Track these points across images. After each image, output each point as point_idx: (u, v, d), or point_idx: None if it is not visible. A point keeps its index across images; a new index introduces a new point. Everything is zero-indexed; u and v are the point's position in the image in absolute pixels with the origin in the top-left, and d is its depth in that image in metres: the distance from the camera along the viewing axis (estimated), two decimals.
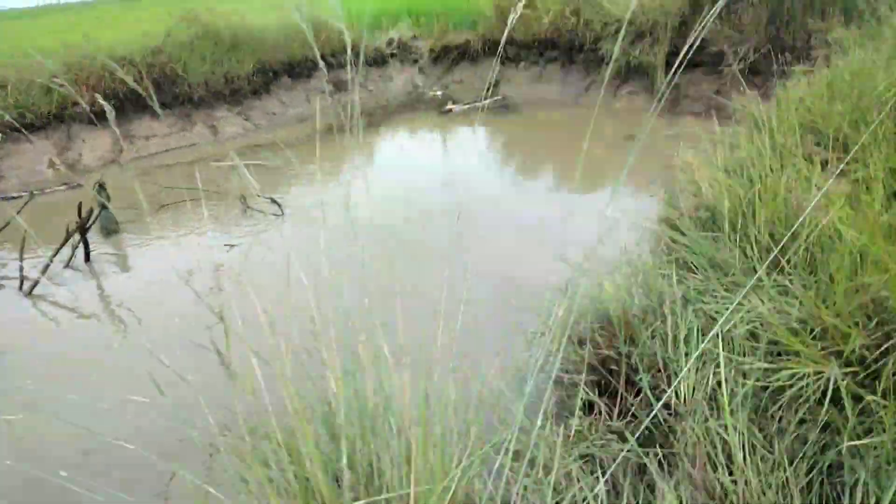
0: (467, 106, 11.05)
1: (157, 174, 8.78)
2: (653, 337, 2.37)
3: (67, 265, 5.88)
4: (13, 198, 7.97)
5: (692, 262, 2.89)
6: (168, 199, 7.27)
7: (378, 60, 13.59)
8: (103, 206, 6.52)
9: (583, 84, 10.71)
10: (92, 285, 5.66)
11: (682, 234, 3.11)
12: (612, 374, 2.39)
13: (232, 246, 5.99)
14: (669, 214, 3.39)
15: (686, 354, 2.17)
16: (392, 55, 13.78)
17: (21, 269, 5.53)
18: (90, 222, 5.95)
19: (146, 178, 8.64)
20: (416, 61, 13.82)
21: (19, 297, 5.37)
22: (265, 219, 6.66)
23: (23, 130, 9.05)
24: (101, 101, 2.19)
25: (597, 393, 2.32)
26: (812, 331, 1.97)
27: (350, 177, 8.38)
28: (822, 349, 1.89)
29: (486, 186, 7.44)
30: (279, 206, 6.81)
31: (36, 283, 5.43)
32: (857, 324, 1.86)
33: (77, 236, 5.78)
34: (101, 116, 9.41)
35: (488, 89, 11.79)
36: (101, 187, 6.49)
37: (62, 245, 5.68)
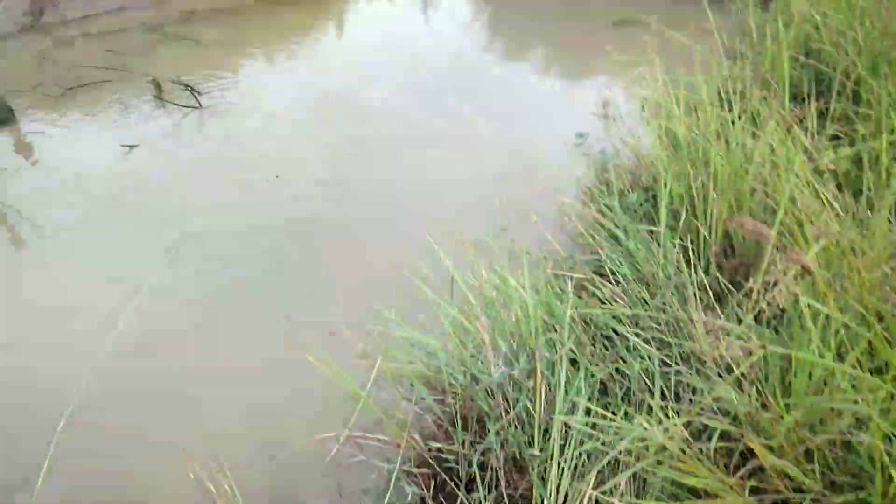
0: None
1: (84, 42, 7.64)
2: (510, 425, 1.67)
3: None
4: None
5: (610, 269, 2.16)
6: (76, 81, 6.30)
7: None
8: None
9: None
10: None
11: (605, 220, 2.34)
12: (451, 472, 1.73)
13: (131, 147, 5.12)
14: (596, 183, 2.58)
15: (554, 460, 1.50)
16: None
17: None
18: None
19: (64, 50, 7.51)
20: None
21: None
22: (180, 111, 5.71)
23: None
24: None
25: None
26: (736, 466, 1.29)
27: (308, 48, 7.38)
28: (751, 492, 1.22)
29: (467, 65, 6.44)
30: (196, 96, 5.82)
31: None
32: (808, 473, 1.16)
33: None
34: None
35: None
36: None
37: None
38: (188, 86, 5.89)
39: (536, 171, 3.81)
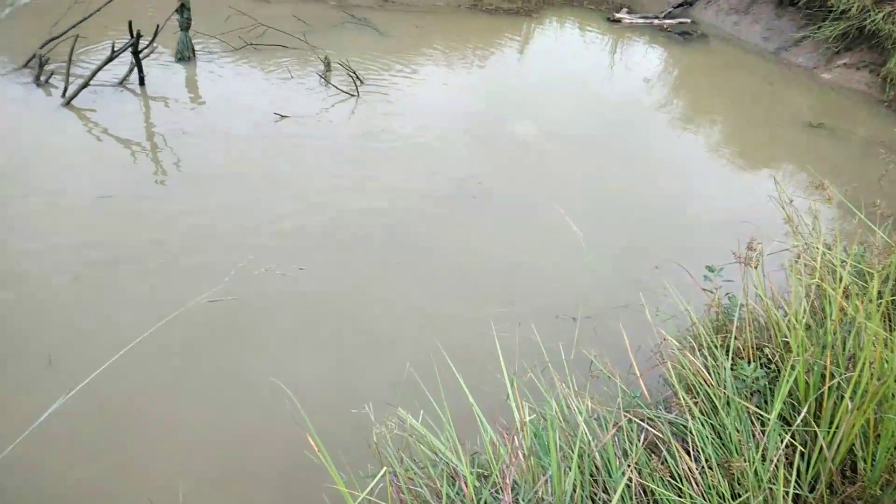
0: (641, 21, 9.13)
1: (276, 2, 8.07)
2: None
3: (121, 84, 5.48)
4: None
5: (693, 440, 1.80)
6: (258, 39, 6.63)
7: None
8: (184, 28, 5.99)
9: (793, 35, 8.39)
10: (131, 109, 5.22)
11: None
12: None
13: (283, 117, 5.27)
14: (711, 328, 2.19)
15: None
16: None
17: (67, 75, 5.18)
18: (146, 47, 5.43)
19: (261, 3, 7.97)
20: None
21: (56, 105, 5.06)
22: (338, 96, 5.82)
23: None
24: None
25: None
26: None
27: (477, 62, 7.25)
28: None
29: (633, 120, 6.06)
30: (356, 84, 5.91)
31: (72, 96, 5.07)
32: None
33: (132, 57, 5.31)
34: None
35: (679, 6, 9.69)
36: (183, 7, 5.90)
37: (105, 63, 5.21)
38: (353, 72, 5.99)
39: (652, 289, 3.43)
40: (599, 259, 3.86)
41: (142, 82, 5.50)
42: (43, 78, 5.31)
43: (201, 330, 3.15)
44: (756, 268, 2.13)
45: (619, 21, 9.04)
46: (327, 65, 6.16)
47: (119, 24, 5.42)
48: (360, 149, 4.99)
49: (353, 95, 5.81)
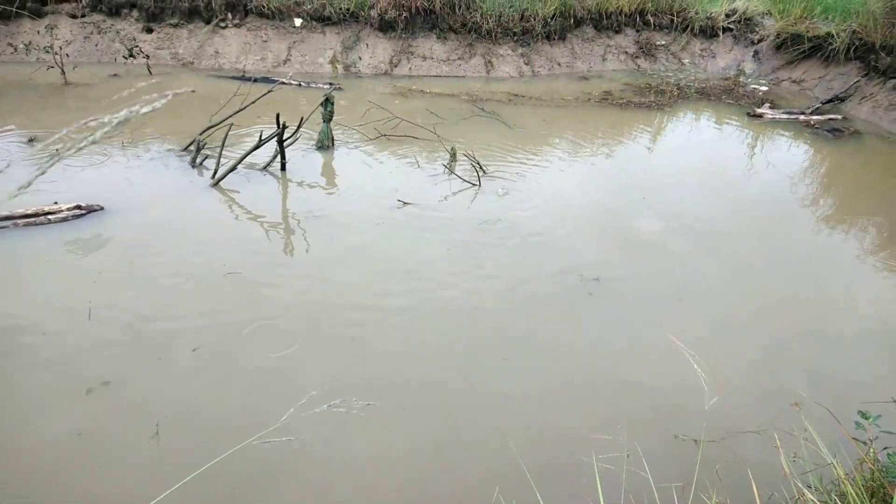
0: (786, 116, 8.64)
1: (412, 97, 8.56)
2: None
3: (265, 168, 5.95)
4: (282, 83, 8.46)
5: None
6: (391, 131, 7.00)
7: (707, 31, 11.45)
8: (326, 120, 6.47)
9: None
10: (270, 191, 5.62)
11: None
12: None
13: (405, 203, 5.42)
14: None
15: None
16: (726, 29, 11.47)
17: (218, 159, 5.71)
18: (290, 137, 5.89)
19: (398, 97, 8.49)
20: (753, 43, 11.32)
21: (206, 185, 5.56)
22: (460, 185, 5.93)
23: (319, 22, 9.54)
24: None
25: None
26: None
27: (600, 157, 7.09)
28: None
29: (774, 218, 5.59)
30: (479, 174, 6.00)
31: (221, 178, 5.56)
32: None
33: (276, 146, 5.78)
34: (388, 26, 9.54)
35: (829, 102, 9.10)
36: (328, 101, 6.39)
37: (252, 150, 5.70)
38: (477, 162, 6.10)
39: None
40: (727, 385, 3.46)
41: (283, 167, 5.94)
42: (199, 160, 5.90)
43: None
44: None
45: (760, 116, 8.61)
46: (453, 155, 6.33)
47: (271, 113, 5.93)
48: (474, 239, 4.98)
49: (474, 185, 5.89)
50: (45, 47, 8.30)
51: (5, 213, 4.83)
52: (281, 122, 5.56)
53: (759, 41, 11.27)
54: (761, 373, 3.65)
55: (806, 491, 1.74)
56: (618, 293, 4.37)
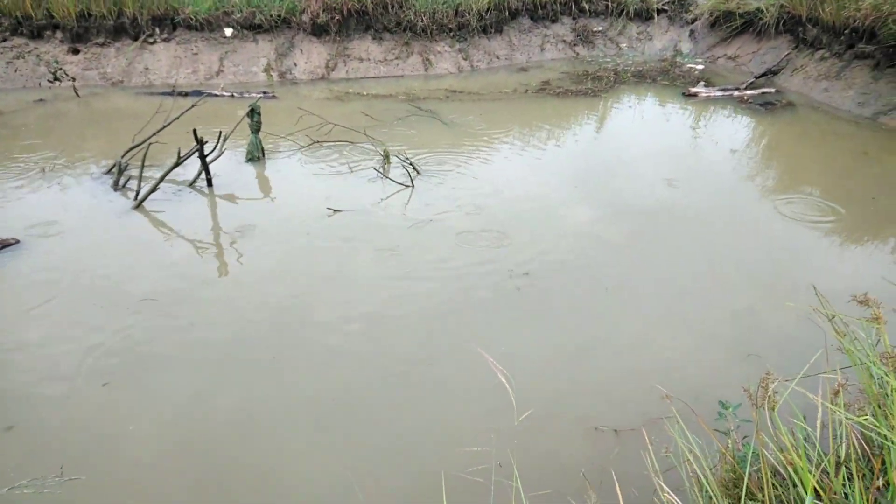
0: (720, 93, 8.73)
1: (350, 100, 8.46)
2: None
3: (192, 185, 5.81)
4: (210, 95, 8.28)
5: None
6: (325, 137, 6.90)
7: (642, 14, 11.54)
8: (254, 131, 6.34)
9: (893, 99, 7.66)
10: (197, 209, 5.48)
11: None
12: None
13: (335, 211, 5.33)
14: None
15: None
16: (661, 11, 11.57)
17: (139, 180, 5.55)
18: (212, 151, 5.75)
19: (335, 102, 8.37)
20: (688, 23, 11.44)
21: (128, 208, 5.40)
22: (394, 187, 5.85)
23: (251, 30, 9.37)
24: None
25: None
26: None
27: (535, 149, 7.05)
28: None
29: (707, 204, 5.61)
30: (411, 175, 5.93)
31: (142, 200, 5.40)
32: None
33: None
34: (322, 30, 9.40)
35: (763, 76, 9.22)
36: (254, 112, 6.26)
37: (171, 169, 5.57)
38: (410, 163, 6.04)
39: None
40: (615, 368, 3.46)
41: (209, 183, 5.80)
42: (122, 182, 5.73)
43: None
44: (773, 409, 1.74)
45: (695, 95, 8.69)
46: (385, 157, 6.26)
47: (208, 127, 5.75)
48: (405, 242, 4.91)
49: (408, 187, 5.83)
50: None
51: None
52: (199, 138, 5.42)
53: (694, 20, 11.39)
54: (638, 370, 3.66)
55: (663, 486, 1.71)
56: (545, 288, 4.35)
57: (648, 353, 3.73)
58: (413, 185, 5.85)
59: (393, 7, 9.61)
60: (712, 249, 4.87)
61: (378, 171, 6.12)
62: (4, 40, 9.06)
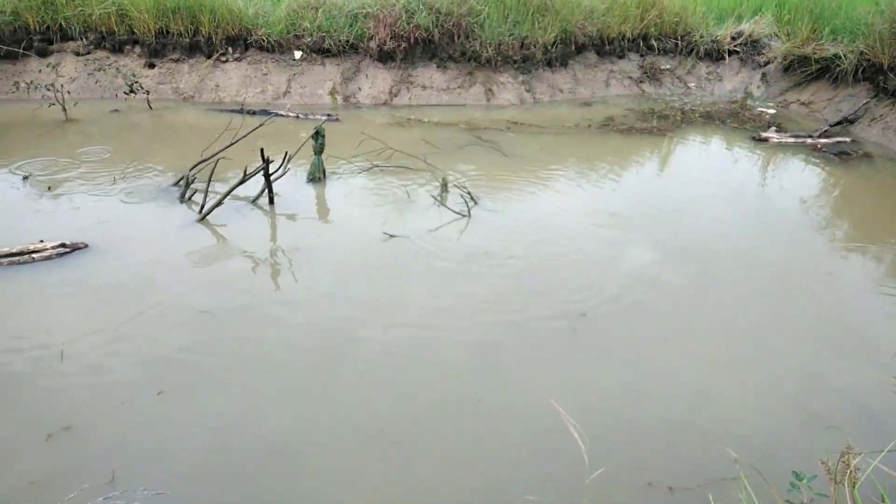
0: (792, 140, 8.43)
1: (411, 127, 8.52)
2: None
3: (254, 202, 5.90)
4: (277, 115, 8.47)
5: None
6: (385, 162, 6.93)
7: (712, 54, 11.33)
8: (317, 153, 6.42)
9: None
10: (257, 226, 5.55)
11: None
12: None
13: (391, 236, 5.31)
14: None
15: None
16: (732, 52, 11.33)
17: (205, 194, 5.66)
18: (277, 171, 5.83)
19: (396, 128, 8.45)
20: (761, 66, 11.16)
21: (192, 220, 5.51)
22: (451, 216, 5.80)
23: (319, 54, 9.60)
24: None
25: None
26: None
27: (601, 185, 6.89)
28: None
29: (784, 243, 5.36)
30: (469, 205, 5.88)
31: (207, 213, 5.50)
32: None
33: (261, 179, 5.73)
34: (388, 57, 9.54)
35: (838, 124, 8.88)
36: (318, 134, 6.35)
37: (236, 185, 5.67)
38: (468, 193, 5.99)
39: None
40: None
41: (271, 201, 5.87)
42: (188, 195, 5.86)
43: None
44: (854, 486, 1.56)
45: (765, 140, 8.41)
46: (443, 186, 6.23)
47: (272, 146, 5.83)
48: (459, 272, 4.84)
49: (464, 216, 5.77)
50: (46, 85, 8.41)
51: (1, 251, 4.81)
52: (266, 157, 5.51)
53: (767, 63, 11.10)
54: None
55: None
56: (602, 330, 4.19)
57: (710, 406, 3.53)
58: (470, 216, 5.80)
59: (459, 37, 9.69)
60: (779, 301, 4.63)
61: (435, 199, 6.09)
62: (89, 53, 9.52)
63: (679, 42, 11.21)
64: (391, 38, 9.46)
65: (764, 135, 8.52)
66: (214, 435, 3.23)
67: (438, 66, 9.85)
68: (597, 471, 2.52)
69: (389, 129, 8.33)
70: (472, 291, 4.58)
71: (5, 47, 9.07)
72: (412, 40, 9.51)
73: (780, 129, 8.89)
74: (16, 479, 2.93)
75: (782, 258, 5.29)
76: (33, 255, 4.84)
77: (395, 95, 9.59)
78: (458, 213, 5.81)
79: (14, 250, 4.86)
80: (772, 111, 9.99)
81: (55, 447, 3.12)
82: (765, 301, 4.61)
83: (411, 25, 9.39)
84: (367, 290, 4.58)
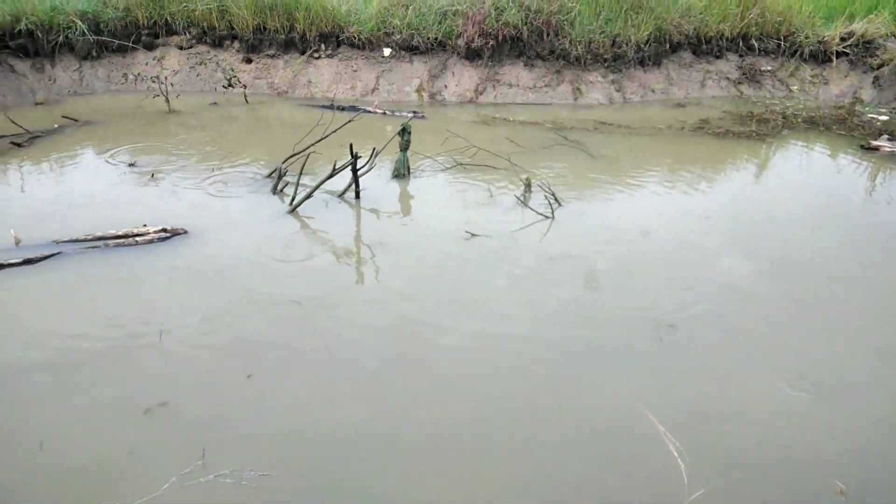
0: None
1: (496, 125, 8.48)
2: None
3: (341, 196, 6.03)
4: (366, 111, 8.63)
5: None
6: (469, 160, 6.92)
7: (818, 56, 10.65)
8: (403, 149, 6.49)
9: None
10: (343, 219, 5.68)
11: None
12: None
13: (473, 235, 5.30)
14: None
15: None
16: (841, 54, 10.61)
17: (296, 187, 5.83)
18: (364, 167, 5.93)
19: (481, 126, 8.43)
20: (873, 69, 10.40)
21: (283, 212, 5.69)
22: (534, 217, 5.73)
23: (407, 51, 9.71)
24: None
25: None
26: None
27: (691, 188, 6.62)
28: None
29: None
30: (552, 206, 5.78)
31: (297, 205, 5.68)
32: None
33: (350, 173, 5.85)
34: (475, 54, 9.53)
35: None
36: (405, 130, 6.41)
37: (326, 179, 5.80)
38: (552, 194, 5.90)
39: None
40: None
41: (357, 196, 5.99)
42: (280, 187, 6.07)
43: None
44: None
45: (876, 149, 7.83)
46: (527, 186, 6.16)
47: (359, 141, 5.96)
48: (540, 274, 4.76)
49: (548, 217, 5.68)
50: (151, 77, 8.93)
51: (99, 233, 5.15)
52: (354, 153, 5.62)
53: (880, 66, 10.33)
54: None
55: None
56: (691, 343, 4.02)
57: (809, 432, 3.30)
58: (553, 217, 5.70)
59: (548, 35, 9.56)
60: (886, 324, 4.28)
61: (519, 199, 6.02)
62: (191, 47, 10.03)
63: (782, 42, 10.60)
64: (479, 35, 9.44)
65: (874, 143, 7.93)
66: (295, 418, 3.32)
67: (525, 65, 9.75)
68: (697, 492, 2.41)
69: (474, 127, 8.32)
70: (554, 295, 4.49)
71: (117, 41, 9.70)
72: (500, 38, 9.46)
73: (892, 138, 8.25)
74: (119, 447, 3.11)
75: (891, 282, 4.90)
76: (136, 239, 5.14)
77: (481, 93, 9.57)
78: (541, 214, 5.73)
79: (119, 233, 5.17)
80: (884, 118, 9.28)
81: (152, 421, 3.29)
82: (867, 328, 4.28)
83: (500, 23, 9.34)
84: (446, 288, 4.59)
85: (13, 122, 7.58)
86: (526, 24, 9.45)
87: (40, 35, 9.39)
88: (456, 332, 4.06)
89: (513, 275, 4.76)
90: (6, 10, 9.25)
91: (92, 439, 3.18)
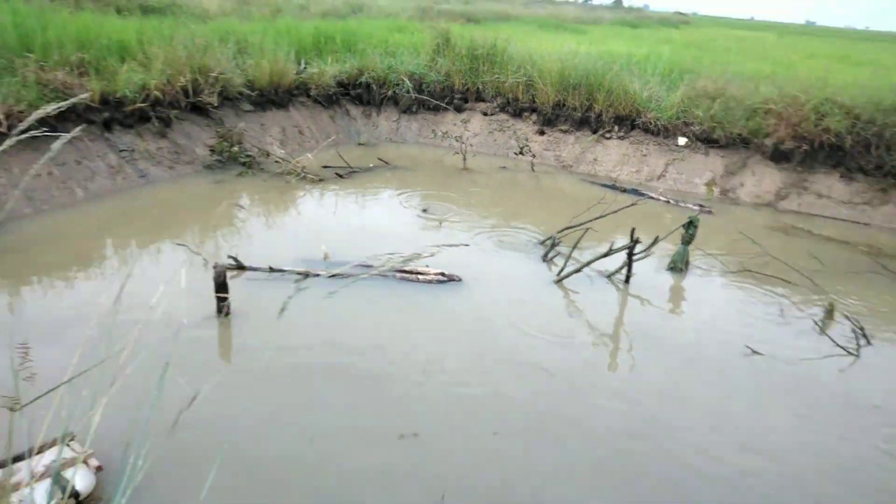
0: None
1: (795, 236, 7.60)
2: None
3: (610, 276, 5.87)
4: (650, 197, 8.39)
5: None
6: (758, 268, 6.25)
7: None
8: (685, 242, 6.14)
9: None
10: (607, 300, 5.52)
11: None
12: None
13: (754, 352, 4.70)
14: None
15: None
16: None
17: (567, 258, 5.83)
18: (642, 252, 5.70)
19: (777, 233, 7.61)
20: None
21: (550, 279, 5.72)
22: (831, 348, 4.90)
23: (703, 143, 9.29)
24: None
25: None
26: None
27: None
28: None
29: None
30: (859, 342, 4.87)
31: (565, 276, 5.66)
32: None
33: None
34: (782, 156, 8.73)
35: None
36: (692, 224, 6.06)
37: (600, 257, 5.69)
38: (861, 329, 5.00)
39: None
40: None
41: (627, 280, 5.77)
42: (550, 256, 6.13)
43: None
44: None
45: None
46: (829, 311, 5.32)
47: (636, 226, 5.84)
48: (839, 420, 4.00)
49: (850, 354, 4.81)
50: (456, 136, 9.85)
51: (392, 265, 5.68)
52: (635, 237, 5.44)
53: None
54: None
55: None
56: None
57: None
58: (858, 355, 4.81)
59: (878, 148, 8.35)
60: None
61: (816, 324, 5.23)
62: (493, 114, 10.90)
63: None
64: (792, 137, 8.64)
65: None
66: (534, 479, 3.18)
67: (843, 176, 8.63)
68: None
69: (768, 234, 7.54)
70: (843, 449, 3.73)
71: (434, 101, 10.96)
72: (816, 143, 8.54)
73: None
74: (370, 467, 3.30)
75: None
76: (419, 276, 5.57)
77: (783, 198, 8.68)
78: (841, 347, 4.88)
79: (407, 268, 5.65)
80: None
81: (403, 448, 3.44)
82: None
83: (819, 128, 8.45)
84: (714, 406, 4.10)
85: (340, 157, 8.94)
86: (851, 132, 8.41)
87: (374, 88, 11.06)
88: (721, 466, 3.57)
89: (801, 416, 4.07)
90: (356, 65, 11.11)
91: (348, 457, 3.43)
